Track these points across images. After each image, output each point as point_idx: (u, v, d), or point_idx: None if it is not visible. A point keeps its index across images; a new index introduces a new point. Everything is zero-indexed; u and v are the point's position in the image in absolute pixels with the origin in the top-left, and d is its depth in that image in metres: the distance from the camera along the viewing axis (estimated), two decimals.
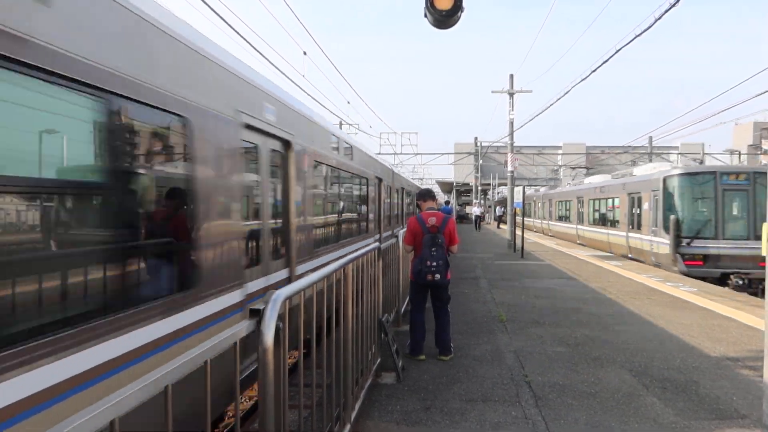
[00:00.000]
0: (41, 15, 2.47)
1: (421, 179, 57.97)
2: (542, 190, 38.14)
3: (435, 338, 6.01)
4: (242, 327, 2.09)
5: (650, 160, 41.74)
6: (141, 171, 3.43)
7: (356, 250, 4.54)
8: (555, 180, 45.04)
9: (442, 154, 47.34)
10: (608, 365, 5.71)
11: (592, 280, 12.16)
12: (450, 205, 33.88)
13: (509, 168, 20.61)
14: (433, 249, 5.77)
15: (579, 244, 23.76)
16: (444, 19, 5.60)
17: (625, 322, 7.73)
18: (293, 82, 28.31)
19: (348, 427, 3.79)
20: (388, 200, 15.46)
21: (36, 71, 2.47)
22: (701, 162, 43.13)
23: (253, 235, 5.22)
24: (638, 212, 16.85)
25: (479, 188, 44.00)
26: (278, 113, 5.80)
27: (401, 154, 42.04)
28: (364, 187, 11.75)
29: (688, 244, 13.79)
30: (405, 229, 6.33)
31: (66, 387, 2.60)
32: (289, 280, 5.97)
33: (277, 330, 2.21)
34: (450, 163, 47.98)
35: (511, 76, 20.84)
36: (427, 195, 6.35)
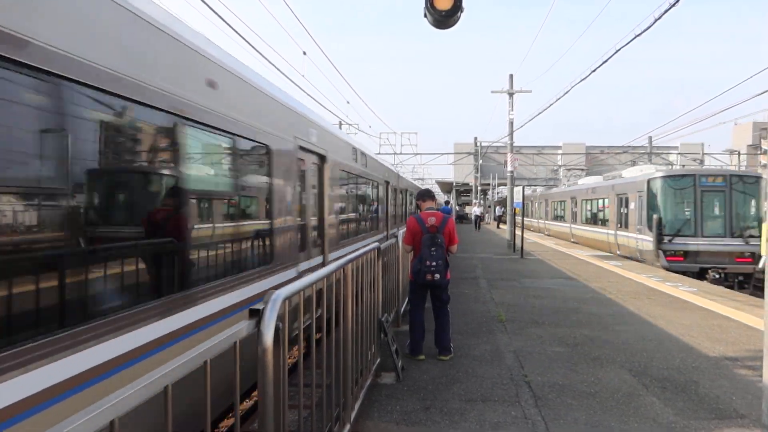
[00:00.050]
0: (213, 95, 4.20)
1: (422, 180, 57.97)
2: (539, 190, 38.35)
3: (434, 338, 6.01)
4: (242, 327, 2.09)
5: (650, 160, 41.79)
6: (255, 183, 5.29)
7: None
8: (555, 180, 45.04)
9: (442, 154, 47.41)
10: (608, 365, 5.72)
11: (592, 280, 12.17)
12: (449, 205, 33.90)
13: (509, 168, 20.61)
14: (433, 249, 5.77)
15: (573, 242, 24.74)
16: (444, 19, 5.61)
17: (624, 322, 7.74)
18: (293, 82, 28.32)
19: (348, 427, 3.79)
20: (394, 200, 17.08)
21: (209, 128, 4.21)
22: (701, 162, 43.15)
23: (303, 228, 6.79)
24: (625, 212, 17.87)
25: (479, 188, 44.01)
26: (318, 135, 7.41)
27: (401, 154, 42.05)
28: (375, 190, 13.28)
29: (670, 241, 14.90)
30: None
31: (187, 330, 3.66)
32: (323, 264, 7.43)
33: (277, 330, 2.21)
34: (450, 163, 48.00)
35: (511, 76, 20.85)
36: (426, 195, 6.35)
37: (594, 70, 12.65)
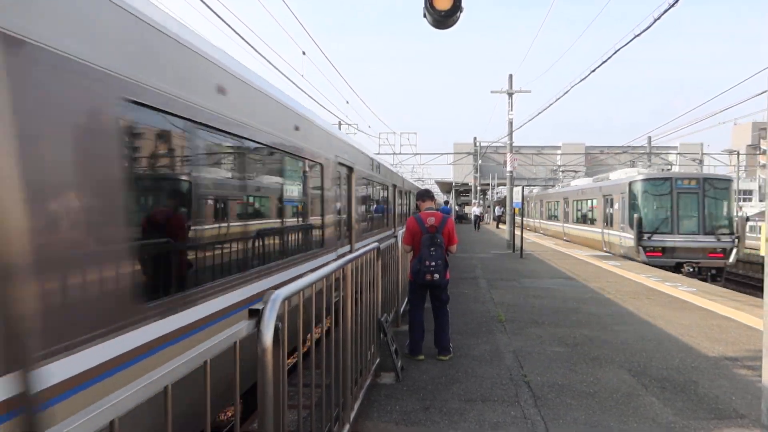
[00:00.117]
0: (298, 135, 6.49)
1: (423, 181, 57.93)
2: (535, 191, 38.68)
3: (434, 338, 6.01)
4: (242, 327, 2.09)
5: (649, 161, 41.80)
6: (317, 190, 7.54)
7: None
8: (554, 180, 45.05)
9: (441, 154, 47.31)
10: (607, 365, 5.72)
11: (591, 280, 12.17)
12: (449, 206, 33.89)
13: (508, 168, 20.61)
14: (432, 249, 5.77)
15: (565, 240, 26.10)
16: (443, 19, 5.60)
17: (624, 322, 7.74)
18: (292, 82, 28.27)
19: (347, 427, 3.79)
20: (400, 201, 19.21)
21: (296, 156, 6.56)
22: (700, 162, 43.19)
23: (339, 222, 9.08)
24: (611, 212, 19.32)
25: (478, 188, 43.99)
26: (348, 151, 9.75)
27: (400, 154, 41.96)
28: (386, 192, 15.51)
29: (649, 238, 16.28)
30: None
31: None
32: (351, 251, 9.48)
33: (276, 330, 2.21)
34: (449, 163, 47.98)
35: (510, 76, 20.84)
36: (425, 195, 6.35)
37: (593, 70, 12.65)
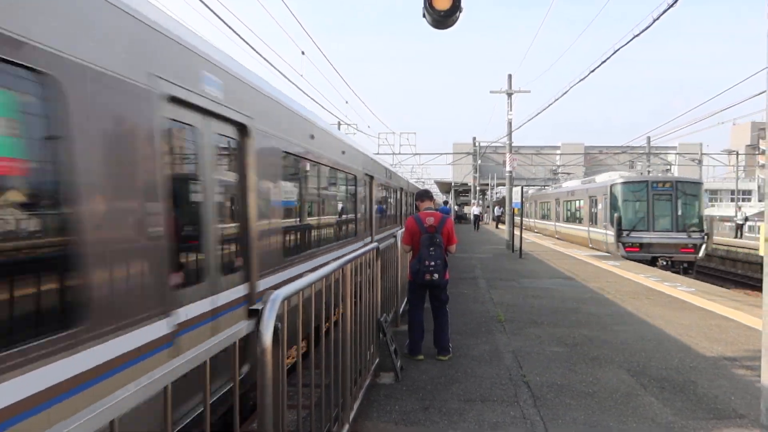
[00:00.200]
0: (344, 157, 9.57)
1: (423, 182, 57.87)
2: (530, 192, 39.00)
3: (433, 338, 6.01)
4: (242, 327, 2.09)
5: (648, 160, 41.78)
6: (353, 195, 10.55)
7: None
8: (554, 180, 45.07)
9: (441, 154, 47.38)
10: (606, 365, 5.72)
11: (590, 280, 12.18)
12: (448, 206, 33.88)
13: (507, 168, 20.61)
14: (431, 249, 5.76)
15: (557, 238, 27.84)
16: (442, 19, 5.60)
17: (623, 322, 7.75)
18: (291, 81, 28.29)
19: (346, 427, 3.79)
20: (406, 202, 21.79)
21: (343, 172, 9.65)
22: (699, 162, 43.21)
23: (365, 219, 11.85)
24: (596, 211, 21.19)
25: (477, 188, 43.99)
26: (370, 163, 12.63)
27: (400, 154, 41.92)
28: (395, 194, 18.28)
29: (628, 235, 18.02)
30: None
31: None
32: (371, 240, 11.86)
33: (276, 330, 2.21)
34: (448, 164, 48.02)
35: (510, 76, 20.84)
36: (424, 195, 6.35)
37: (593, 71, 12.66)
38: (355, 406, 4.15)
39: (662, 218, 18.15)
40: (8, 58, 2.23)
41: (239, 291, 4.63)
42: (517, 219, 18.85)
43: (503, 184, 27.23)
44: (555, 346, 6.48)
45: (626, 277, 12.81)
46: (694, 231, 17.86)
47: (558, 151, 55.27)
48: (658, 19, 8.84)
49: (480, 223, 38.40)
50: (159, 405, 1.58)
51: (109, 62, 2.87)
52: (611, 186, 19.20)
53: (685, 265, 17.87)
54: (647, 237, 17.97)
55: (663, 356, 6.04)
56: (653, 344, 6.55)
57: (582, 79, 13.94)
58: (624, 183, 18.98)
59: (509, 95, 20.72)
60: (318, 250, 7.41)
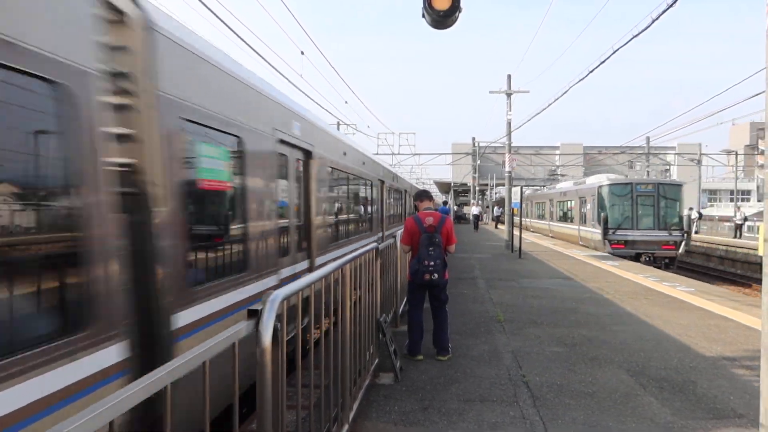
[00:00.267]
0: (364, 167, 11.97)
1: (423, 182, 57.89)
2: (527, 192, 39.12)
3: (433, 338, 6.01)
4: (241, 327, 2.09)
5: (647, 161, 41.81)
6: (371, 198, 12.92)
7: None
8: (553, 180, 45.09)
9: (440, 154, 47.40)
10: (606, 365, 5.73)
11: (590, 280, 12.19)
12: (447, 206, 33.90)
13: (507, 168, 20.61)
14: (431, 249, 5.76)
15: (550, 236, 29.11)
16: (442, 19, 5.61)
17: (622, 322, 7.75)
18: (290, 82, 28.24)
19: (346, 427, 3.79)
20: (409, 201, 23.38)
21: (363, 180, 11.91)
22: (698, 162, 43.24)
23: (379, 217, 13.98)
24: (585, 211, 22.69)
25: (477, 188, 44.01)
26: (382, 170, 14.59)
27: (399, 154, 41.90)
28: (400, 195, 20.17)
29: (613, 233, 19.44)
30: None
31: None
32: (382, 235, 13.82)
33: (275, 331, 2.21)
34: (448, 164, 48.06)
35: (509, 76, 20.84)
36: (423, 195, 6.35)
37: (592, 71, 12.68)
38: (355, 407, 4.15)
39: (645, 217, 19.56)
40: (228, 131, 4.32)
41: (305, 264, 6.73)
42: (516, 219, 18.87)
43: (502, 184, 27.32)
44: (554, 346, 6.48)
45: (625, 277, 12.82)
46: (674, 229, 19.29)
47: (557, 152, 55.30)
48: (657, 19, 8.85)
49: (479, 223, 38.41)
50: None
51: (262, 127, 5.13)
52: (599, 187, 20.60)
53: (667, 260, 19.29)
54: (631, 235, 19.35)
55: (662, 356, 6.04)
56: (652, 344, 6.55)
57: (581, 79, 13.97)
58: (610, 185, 20.36)
59: (508, 95, 20.73)
60: (347, 240, 9.44)
